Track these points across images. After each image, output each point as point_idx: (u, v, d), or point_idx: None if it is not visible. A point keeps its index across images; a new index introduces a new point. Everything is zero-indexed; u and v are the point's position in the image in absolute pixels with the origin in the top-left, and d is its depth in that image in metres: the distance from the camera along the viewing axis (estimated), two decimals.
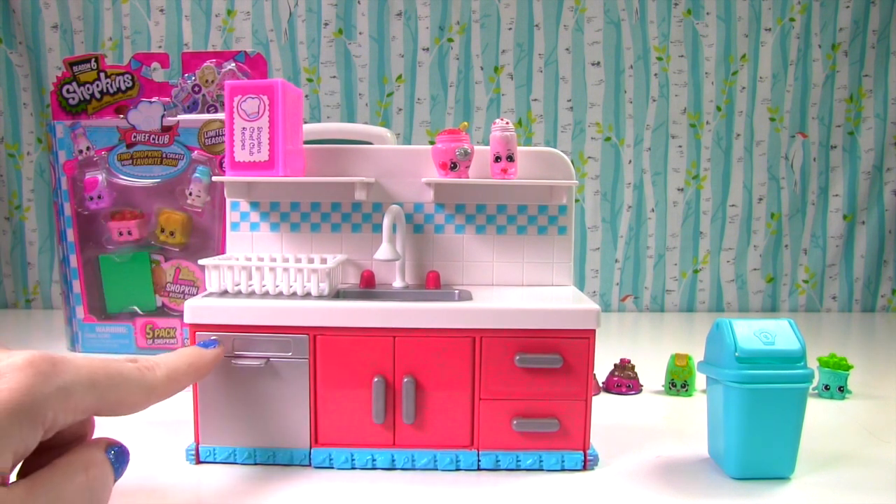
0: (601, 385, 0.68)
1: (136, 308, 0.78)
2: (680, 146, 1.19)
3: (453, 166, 0.53)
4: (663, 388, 0.67)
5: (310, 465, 0.46)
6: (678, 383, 0.66)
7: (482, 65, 1.17)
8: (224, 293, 0.48)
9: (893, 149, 1.20)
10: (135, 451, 0.48)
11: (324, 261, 0.54)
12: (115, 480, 0.36)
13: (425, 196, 0.57)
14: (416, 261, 0.58)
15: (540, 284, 0.58)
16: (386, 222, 0.52)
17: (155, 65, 0.77)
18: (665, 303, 1.22)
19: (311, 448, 0.46)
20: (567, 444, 0.46)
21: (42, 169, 1.16)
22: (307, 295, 0.48)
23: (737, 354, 0.43)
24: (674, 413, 0.61)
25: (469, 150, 0.53)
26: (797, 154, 1.20)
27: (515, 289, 0.56)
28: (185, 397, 0.59)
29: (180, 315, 0.77)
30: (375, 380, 0.45)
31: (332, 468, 0.46)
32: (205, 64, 0.75)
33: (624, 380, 0.67)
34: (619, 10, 1.16)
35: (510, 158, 0.54)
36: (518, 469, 0.46)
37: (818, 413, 0.60)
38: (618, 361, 0.69)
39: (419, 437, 0.46)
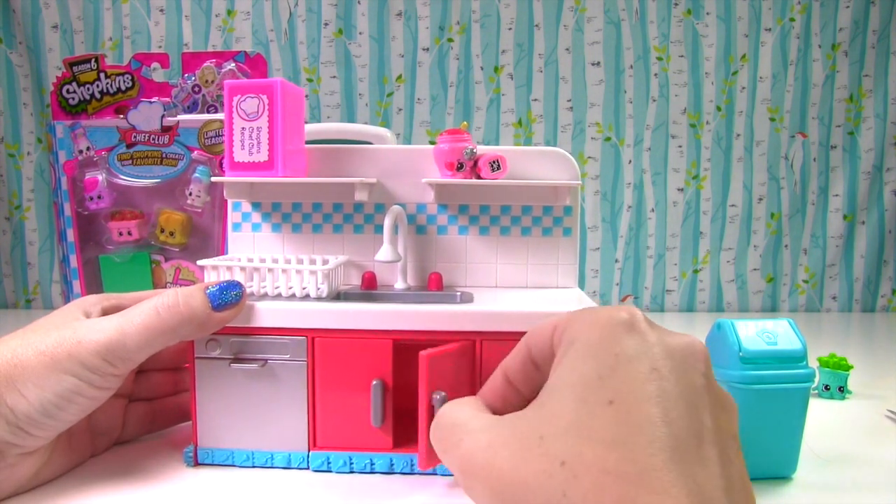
0: None
1: None
2: (680, 146, 1.19)
3: (460, 166, 0.53)
4: None
5: (308, 468, 0.46)
6: None
7: (482, 65, 1.16)
8: None
9: (893, 149, 1.19)
10: (132, 454, 0.48)
11: (325, 262, 0.54)
12: (216, 310, 0.43)
13: (427, 197, 0.57)
14: (418, 262, 0.58)
15: (544, 286, 0.58)
16: (387, 223, 0.51)
17: (155, 65, 0.76)
18: (665, 303, 1.22)
19: (308, 451, 0.46)
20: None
21: (42, 169, 1.16)
22: (306, 296, 0.48)
23: (741, 355, 0.43)
24: None
25: (475, 151, 0.53)
26: (797, 154, 1.20)
27: (519, 291, 0.56)
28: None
29: None
30: (374, 383, 0.45)
31: (330, 471, 0.46)
32: (205, 64, 0.75)
33: None
34: (619, 10, 1.16)
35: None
36: None
37: (818, 413, 0.60)
38: None
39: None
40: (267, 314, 0.45)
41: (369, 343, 0.45)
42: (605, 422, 0.26)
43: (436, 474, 0.46)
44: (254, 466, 0.46)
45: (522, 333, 0.45)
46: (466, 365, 0.45)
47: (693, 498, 0.24)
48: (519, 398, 0.34)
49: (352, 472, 0.46)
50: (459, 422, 0.31)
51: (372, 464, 0.46)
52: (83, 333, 0.39)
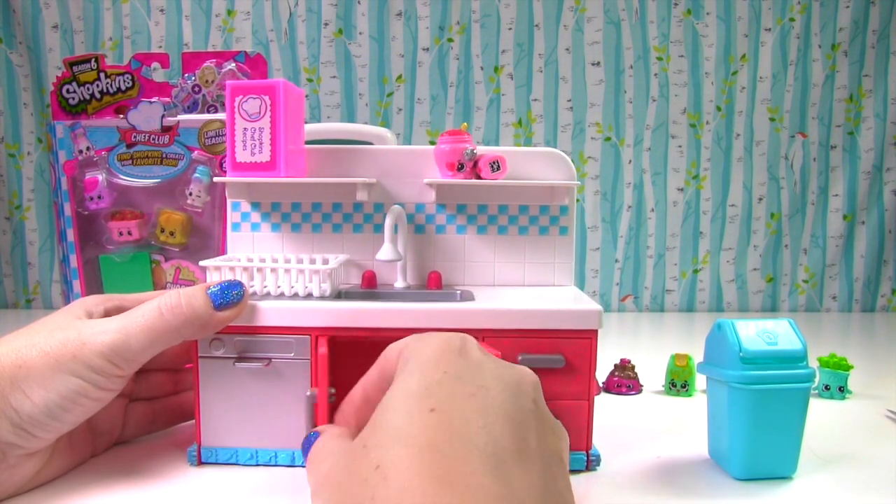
0: (601, 385, 0.68)
1: None
2: (680, 146, 1.19)
3: (460, 167, 0.53)
4: (663, 389, 0.67)
5: None
6: (678, 383, 0.66)
7: (482, 65, 1.17)
8: None
9: (893, 149, 1.20)
10: (135, 453, 0.48)
11: (325, 261, 0.54)
12: (218, 309, 0.43)
13: (427, 197, 0.57)
14: (418, 261, 0.58)
15: (541, 285, 0.58)
16: (387, 223, 0.52)
17: (155, 65, 0.76)
18: (665, 303, 1.22)
19: None
20: (570, 444, 0.46)
21: (42, 169, 1.16)
22: (309, 296, 0.48)
23: (741, 355, 0.43)
24: (674, 413, 0.61)
25: (476, 151, 0.53)
26: (797, 154, 1.20)
27: (517, 289, 0.56)
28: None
29: None
30: None
31: None
32: (205, 64, 0.75)
33: (624, 380, 0.67)
34: (619, 10, 1.16)
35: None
36: None
37: (818, 413, 0.60)
38: (618, 361, 0.69)
39: None
40: (270, 313, 0.45)
41: (373, 341, 0.45)
42: (423, 427, 0.26)
43: None
44: (257, 465, 0.46)
45: (524, 331, 0.45)
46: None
47: (504, 501, 0.23)
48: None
49: None
50: (322, 453, 0.32)
51: None
52: (87, 335, 0.39)
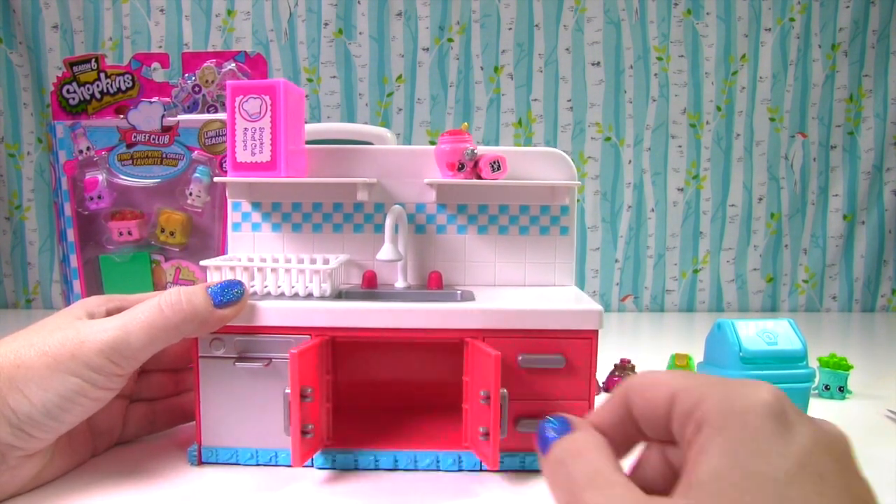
0: (601, 385, 0.68)
1: None
2: (680, 146, 1.19)
3: (461, 167, 0.53)
4: None
5: (312, 465, 0.46)
6: None
7: (482, 65, 1.17)
8: None
9: (893, 149, 1.20)
10: (136, 453, 0.48)
11: (326, 261, 0.54)
12: (218, 307, 0.43)
13: (427, 197, 0.57)
14: (418, 261, 0.58)
15: (542, 285, 0.58)
16: (388, 223, 0.52)
17: (155, 65, 0.76)
18: (665, 303, 1.22)
19: None
20: None
21: (42, 169, 1.16)
22: (309, 296, 0.48)
23: (741, 355, 0.43)
24: None
25: (476, 151, 0.53)
26: (797, 154, 1.20)
27: (517, 289, 0.56)
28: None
29: None
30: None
31: (335, 469, 0.46)
32: (205, 64, 0.75)
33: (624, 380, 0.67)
34: (619, 10, 1.16)
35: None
36: (522, 470, 0.46)
37: (818, 413, 0.60)
38: (618, 361, 0.69)
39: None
40: (271, 313, 0.45)
41: (373, 341, 0.45)
42: None
43: (439, 471, 0.46)
44: (258, 465, 0.46)
45: (524, 331, 0.45)
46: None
47: None
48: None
49: (357, 469, 0.46)
50: (595, 469, 0.26)
51: (376, 461, 0.46)
52: (86, 333, 0.39)
